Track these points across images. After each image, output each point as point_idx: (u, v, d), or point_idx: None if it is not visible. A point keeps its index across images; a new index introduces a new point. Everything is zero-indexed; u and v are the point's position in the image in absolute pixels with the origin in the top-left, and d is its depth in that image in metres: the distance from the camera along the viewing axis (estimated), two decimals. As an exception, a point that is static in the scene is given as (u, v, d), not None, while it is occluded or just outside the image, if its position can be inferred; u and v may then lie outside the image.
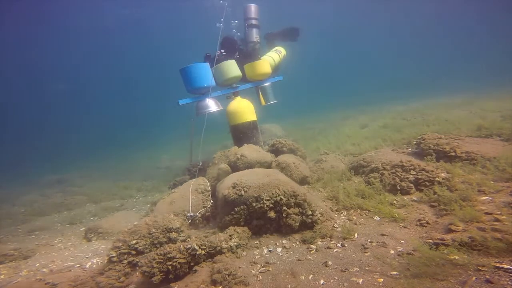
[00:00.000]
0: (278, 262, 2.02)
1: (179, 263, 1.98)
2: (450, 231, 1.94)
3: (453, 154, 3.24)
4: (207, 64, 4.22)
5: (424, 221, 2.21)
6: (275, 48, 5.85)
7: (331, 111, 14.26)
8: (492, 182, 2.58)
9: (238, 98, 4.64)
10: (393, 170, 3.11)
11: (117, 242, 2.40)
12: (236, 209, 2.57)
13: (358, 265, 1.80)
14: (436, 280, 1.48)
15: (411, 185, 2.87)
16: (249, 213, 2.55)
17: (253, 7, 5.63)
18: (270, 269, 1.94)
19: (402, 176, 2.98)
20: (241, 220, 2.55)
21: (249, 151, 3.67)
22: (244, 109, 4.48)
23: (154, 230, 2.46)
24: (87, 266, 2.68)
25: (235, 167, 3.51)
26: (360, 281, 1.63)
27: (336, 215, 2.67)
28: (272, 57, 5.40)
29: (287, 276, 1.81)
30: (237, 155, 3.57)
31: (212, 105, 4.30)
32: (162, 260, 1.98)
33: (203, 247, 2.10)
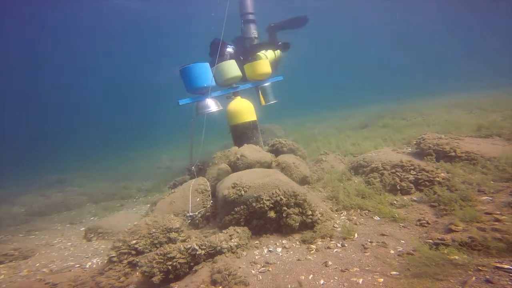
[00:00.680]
0: (278, 262, 2.02)
1: (179, 263, 1.99)
2: (450, 231, 1.94)
3: (453, 154, 3.24)
4: (207, 64, 4.22)
5: (424, 221, 2.21)
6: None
7: (331, 111, 14.26)
8: (492, 182, 2.58)
9: (238, 98, 4.64)
10: (393, 170, 3.11)
11: (117, 242, 2.40)
12: (236, 209, 2.57)
13: (358, 265, 1.80)
14: (436, 280, 1.48)
15: (411, 185, 2.87)
16: (249, 213, 2.54)
17: (248, 1, 5.48)
18: (270, 269, 1.94)
19: (402, 176, 2.98)
20: (241, 220, 2.55)
21: (249, 151, 3.67)
22: (244, 109, 4.48)
23: (154, 230, 2.46)
24: (87, 266, 2.68)
25: (235, 167, 3.51)
26: (360, 281, 1.63)
27: (336, 215, 2.67)
28: (266, 55, 5.18)
29: (287, 276, 1.81)
30: (237, 155, 3.57)
31: (212, 105, 4.30)
32: (162, 260, 1.98)
33: (203, 247, 2.11)
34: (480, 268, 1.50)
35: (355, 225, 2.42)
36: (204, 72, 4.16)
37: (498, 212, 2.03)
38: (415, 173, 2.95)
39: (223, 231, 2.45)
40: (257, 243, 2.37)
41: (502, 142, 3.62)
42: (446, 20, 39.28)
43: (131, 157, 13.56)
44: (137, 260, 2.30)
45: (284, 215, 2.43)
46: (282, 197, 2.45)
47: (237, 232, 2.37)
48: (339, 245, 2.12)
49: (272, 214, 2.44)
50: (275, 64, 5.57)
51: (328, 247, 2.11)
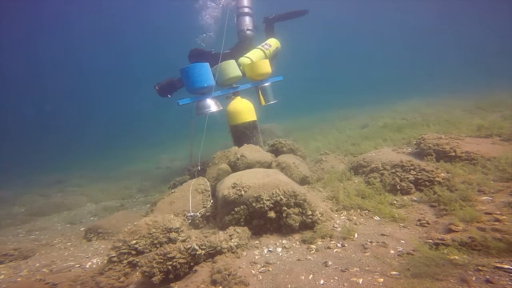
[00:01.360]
0: (278, 262, 2.02)
1: (179, 263, 1.99)
2: (450, 231, 1.94)
3: (453, 154, 3.24)
4: (207, 64, 4.21)
5: (424, 221, 2.21)
6: (264, 42, 5.45)
7: (331, 111, 14.26)
8: (492, 182, 2.58)
9: (238, 98, 4.64)
10: (393, 170, 3.11)
11: (117, 242, 2.40)
12: (236, 209, 2.57)
13: (358, 265, 1.80)
14: (436, 280, 1.48)
15: (411, 185, 2.87)
16: (249, 213, 2.54)
17: None
18: (270, 269, 1.94)
19: (402, 176, 2.98)
20: (241, 220, 2.55)
21: (249, 151, 3.67)
22: (244, 109, 4.48)
23: (154, 230, 2.46)
24: (87, 266, 2.68)
25: (235, 167, 3.51)
26: (360, 281, 1.63)
27: (336, 215, 2.67)
28: (250, 58, 4.92)
29: (287, 276, 1.81)
30: (237, 155, 3.57)
31: (212, 105, 4.30)
32: (162, 260, 1.98)
33: (203, 247, 2.10)
34: (480, 268, 1.50)
35: (355, 225, 2.42)
36: (205, 72, 4.15)
37: (498, 212, 2.03)
38: (415, 173, 2.95)
39: (223, 231, 2.46)
40: (257, 243, 2.37)
41: (502, 142, 3.62)
42: (446, 19, 39.29)
43: (131, 157, 13.56)
44: (137, 260, 2.30)
45: (284, 215, 2.43)
46: (282, 197, 2.45)
47: (237, 232, 2.37)
48: (339, 245, 2.12)
49: (272, 214, 2.44)
50: (270, 60, 5.48)
51: (328, 247, 2.11)
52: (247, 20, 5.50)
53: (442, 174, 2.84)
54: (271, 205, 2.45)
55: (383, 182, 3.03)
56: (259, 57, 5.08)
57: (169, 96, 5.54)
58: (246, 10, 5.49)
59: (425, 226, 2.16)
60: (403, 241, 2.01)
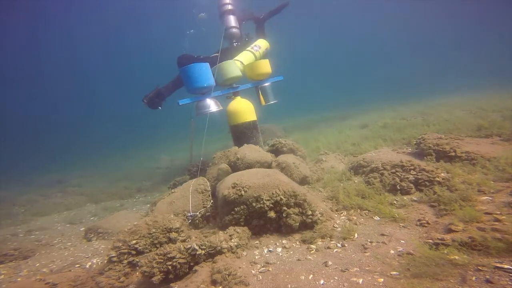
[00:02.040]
0: (278, 262, 2.02)
1: (179, 263, 1.98)
2: (450, 231, 1.94)
3: (453, 154, 3.24)
4: (207, 64, 4.21)
5: (424, 221, 2.21)
6: (253, 44, 5.37)
7: (331, 111, 14.26)
8: (492, 182, 2.58)
9: (238, 98, 4.63)
10: (393, 170, 3.11)
11: (117, 242, 2.40)
12: (236, 209, 2.57)
13: (358, 265, 1.80)
14: (436, 280, 1.48)
15: (411, 185, 2.87)
16: (249, 213, 2.54)
17: None
18: (270, 269, 1.94)
19: (402, 176, 2.98)
20: (241, 220, 2.55)
21: (249, 151, 3.67)
22: (244, 109, 4.47)
23: (154, 230, 2.46)
24: (87, 266, 2.68)
25: (235, 167, 3.51)
26: (360, 281, 1.63)
27: (336, 215, 2.67)
28: (240, 61, 4.81)
29: (287, 276, 1.81)
30: (237, 155, 3.57)
31: (212, 105, 4.29)
32: (162, 260, 1.98)
33: (203, 247, 2.10)
34: (480, 268, 1.50)
35: (355, 225, 2.42)
36: (205, 72, 4.15)
37: (498, 212, 2.03)
38: (415, 173, 2.95)
39: (223, 231, 2.46)
40: (257, 243, 2.37)
41: (502, 142, 3.62)
42: (448, 19, 39.25)
43: (131, 157, 13.56)
44: (137, 260, 2.30)
45: (284, 215, 2.43)
46: (282, 197, 2.45)
47: (237, 232, 2.37)
48: (339, 245, 2.12)
49: (272, 214, 2.44)
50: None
51: (328, 247, 2.11)
52: (231, 18, 5.43)
53: (442, 174, 2.84)
54: (271, 205, 2.45)
55: (383, 182, 3.03)
56: (249, 59, 5.01)
57: (160, 108, 5.53)
58: (229, 7, 5.40)
59: (425, 226, 2.16)
60: (403, 241, 2.01)
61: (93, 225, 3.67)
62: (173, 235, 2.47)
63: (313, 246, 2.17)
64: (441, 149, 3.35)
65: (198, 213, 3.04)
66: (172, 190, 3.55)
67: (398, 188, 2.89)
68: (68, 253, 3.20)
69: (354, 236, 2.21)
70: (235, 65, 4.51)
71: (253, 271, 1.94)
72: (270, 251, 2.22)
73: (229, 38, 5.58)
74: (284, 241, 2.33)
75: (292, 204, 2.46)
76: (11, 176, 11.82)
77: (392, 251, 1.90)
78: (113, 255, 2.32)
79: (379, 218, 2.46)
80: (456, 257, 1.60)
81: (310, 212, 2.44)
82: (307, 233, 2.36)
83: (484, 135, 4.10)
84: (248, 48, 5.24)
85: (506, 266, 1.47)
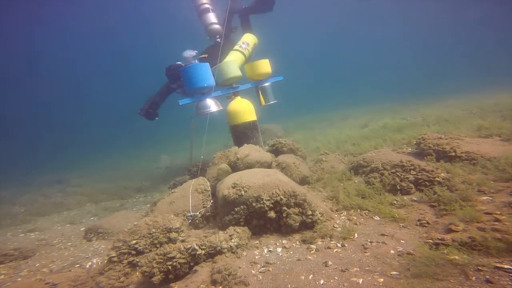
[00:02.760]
0: (278, 262, 2.02)
1: (179, 263, 1.99)
2: (450, 231, 1.94)
3: (453, 154, 3.24)
4: (207, 64, 4.21)
5: (424, 221, 2.21)
6: (241, 42, 5.25)
7: (331, 111, 14.27)
8: (492, 182, 2.58)
9: (238, 98, 4.64)
10: (393, 170, 3.11)
11: (117, 242, 2.40)
12: (236, 209, 2.57)
13: (358, 265, 1.80)
14: (436, 280, 1.48)
15: (411, 185, 2.87)
16: (249, 213, 2.55)
17: None
18: (270, 269, 1.94)
19: (402, 176, 2.98)
20: (241, 220, 2.55)
21: (249, 151, 3.67)
22: (244, 109, 4.47)
23: (154, 230, 2.46)
24: (87, 266, 2.68)
25: (235, 167, 3.51)
26: (360, 281, 1.63)
27: (336, 215, 2.67)
28: (234, 60, 4.77)
29: (287, 276, 1.81)
30: (237, 155, 3.57)
31: (212, 105, 4.29)
32: (162, 260, 1.98)
33: (203, 247, 2.11)
34: (480, 268, 1.50)
35: (355, 225, 2.42)
36: (205, 72, 4.15)
37: (498, 212, 2.03)
38: (415, 173, 2.95)
39: (223, 231, 2.46)
40: (257, 243, 2.37)
41: (502, 142, 3.62)
42: (446, 19, 39.24)
43: (131, 157, 13.56)
44: (137, 260, 2.30)
45: (284, 215, 2.43)
46: (282, 197, 2.45)
47: (237, 232, 2.37)
48: (339, 245, 2.12)
49: (272, 214, 2.44)
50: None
51: (328, 247, 2.11)
52: (210, 15, 5.36)
53: (442, 174, 2.84)
54: (271, 205, 2.45)
55: (383, 182, 3.03)
56: (238, 59, 4.95)
57: (157, 118, 5.53)
58: (206, 6, 5.35)
59: (425, 226, 2.16)
60: (403, 241, 2.01)
61: (93, 225, 3.67)
62: (173, 235, 2.47)
63: (313, 246, 2.17)
64: (441, 149, 3.35)
65: (198, 213, 3.04)
66: (172, 190, 3.55)
67: (398, 188, 2.89)
68: (68, 253, 3.20)
69: (354, 236, 2.21)
70: (235, 65, 4.51)
71: (253, 271, 1.95)
72: (270, 251, 2.22)
73: (212, 35, 5.52)
74: (284, 241, 2.33)
75: (292, 204, 2.46)
76: (11, 176, 11.81)
77: (392, 251, 1.90)
78: (113, 255, 2.32)
79: (379, 218, 2.46)
80: (456, 257, 1.60)
81: (310, 212, 2.44)
82: (307, 233, 2.36)
83: (484, 135, 4.10)
84: (235, 47, 5.13)
85: (506, 266, 1.47)
